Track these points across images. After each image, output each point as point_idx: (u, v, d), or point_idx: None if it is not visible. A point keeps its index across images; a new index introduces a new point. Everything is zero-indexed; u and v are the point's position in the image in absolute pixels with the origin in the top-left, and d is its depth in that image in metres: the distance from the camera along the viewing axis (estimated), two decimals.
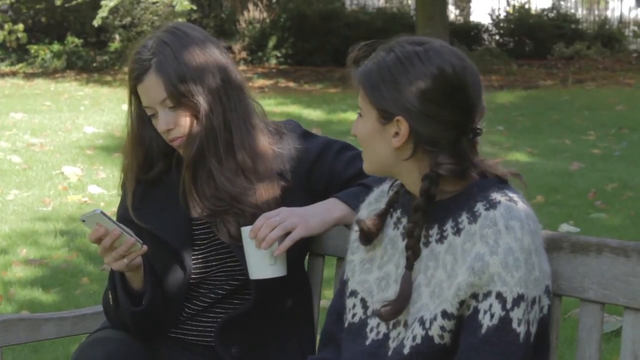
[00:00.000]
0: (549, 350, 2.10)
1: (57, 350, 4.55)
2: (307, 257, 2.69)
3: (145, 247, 2.42)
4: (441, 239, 2.08)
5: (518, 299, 1.96)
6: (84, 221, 2.37)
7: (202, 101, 2.49)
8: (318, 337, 2.51)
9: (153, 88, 2.49)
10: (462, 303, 2.00)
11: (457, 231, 2.05)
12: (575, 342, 2.15)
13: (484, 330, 1.97)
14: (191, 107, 2.50)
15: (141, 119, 2.58)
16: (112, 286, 2.53)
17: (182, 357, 2.58)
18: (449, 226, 2.07)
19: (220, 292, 2.57)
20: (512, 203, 2.02)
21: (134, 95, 2.56)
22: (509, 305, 1.96)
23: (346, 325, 2.23)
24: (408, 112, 2.04)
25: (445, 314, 2.01)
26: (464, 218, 2.05)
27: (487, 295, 1.97)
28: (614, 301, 2.06)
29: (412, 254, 2.09)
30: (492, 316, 1.96)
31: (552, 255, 2.08)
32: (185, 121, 2.51)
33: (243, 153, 2.54)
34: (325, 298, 3.76)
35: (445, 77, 2.05)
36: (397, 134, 2.07)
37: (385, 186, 2.28)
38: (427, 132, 2.05)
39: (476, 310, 1.98)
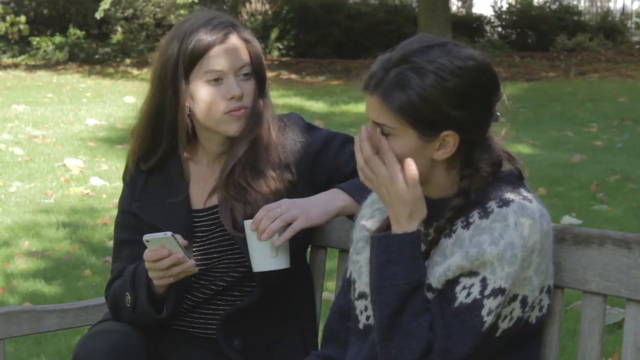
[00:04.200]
0: (540, 346, 2.12)
1: (60, 342, 4.55)
2: (309, 249, 2.69)
3: (197, 269, 2.45)
4: (450, 233, 2.08)
5: (497, 291, 1.97)
6: (147, 241, 2.36)
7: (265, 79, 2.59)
8: (320, 329, 2.51)
9: (239, 50, 2.52)
10: (447, 282, 2.02)
11: (467, 225, 2.05)
12: (577, 334, 2.16)
13: (456, 304, 2.00)
14: (258, 81, 2.55)
15: (176, 91, 2.52)
16: (133, 290, 2.50)
17: (184, 349, 2.57)
18: (458, 221, 2.07)
19: (222, 284, 2.57)
20: (527, 201, 2.02)
21: (188, 62, 2.50)
22: (486, 292, 1.97)
23: (361, 327, 2.21)
24: (459, 125, 2.02)
25: (430, 288, 2.04)
26: (474, 213, 2.04)
27: (473, 274, 1.99)
28: (616, 293, 2.06)
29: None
30: (468, 294, 1.99)
31: (554, 247, 2.08)
32: (253, 93, 2.55)
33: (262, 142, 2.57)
34: (327, 290, 3.76)
35: (487, 78, 2.07)
36: (441, 146, 2.04)
37: None
38: (474, 136, 2.06)
39: (457, 282, 2.01)
